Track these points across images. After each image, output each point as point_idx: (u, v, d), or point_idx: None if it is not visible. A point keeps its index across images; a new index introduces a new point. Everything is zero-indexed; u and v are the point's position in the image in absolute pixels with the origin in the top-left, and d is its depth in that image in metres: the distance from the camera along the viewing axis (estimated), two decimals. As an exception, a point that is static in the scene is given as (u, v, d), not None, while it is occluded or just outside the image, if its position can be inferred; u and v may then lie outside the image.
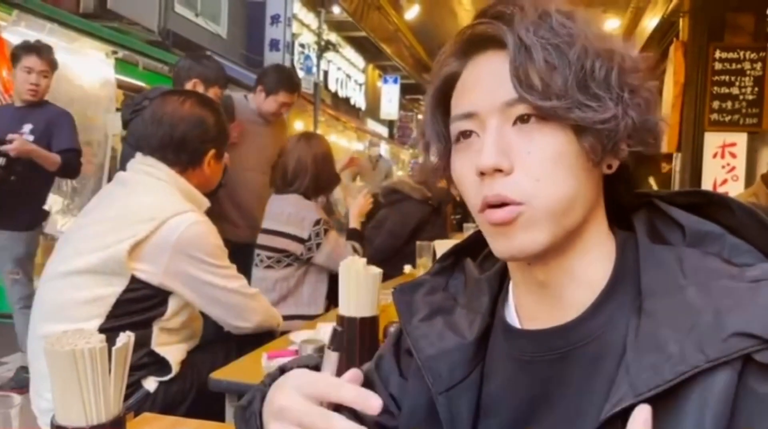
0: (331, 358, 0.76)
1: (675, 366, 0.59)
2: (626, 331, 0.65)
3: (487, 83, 0.67)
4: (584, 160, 0.65)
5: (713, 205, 0.70)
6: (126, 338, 0.85)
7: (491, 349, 0.77)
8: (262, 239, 2.82)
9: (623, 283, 0.68)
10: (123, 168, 2.87)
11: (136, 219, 1.69)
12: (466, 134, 0.69)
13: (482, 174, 0.66)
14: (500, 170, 0.65)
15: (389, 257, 3.40)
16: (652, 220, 0.73)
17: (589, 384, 0.66)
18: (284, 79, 3.31)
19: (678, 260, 0.66)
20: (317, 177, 2.80)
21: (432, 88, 0.75)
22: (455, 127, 0.70)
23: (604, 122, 0.63)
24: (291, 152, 2.84)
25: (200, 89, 2.97)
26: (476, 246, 0.85)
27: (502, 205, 0.65)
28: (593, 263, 0.70)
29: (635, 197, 0.75)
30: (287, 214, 2.76)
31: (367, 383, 0.86)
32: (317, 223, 2.72)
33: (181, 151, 1.81)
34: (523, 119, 0.65)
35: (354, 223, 2.98)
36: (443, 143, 0.75)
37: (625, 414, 0.59)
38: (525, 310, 0.75)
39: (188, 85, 2.98)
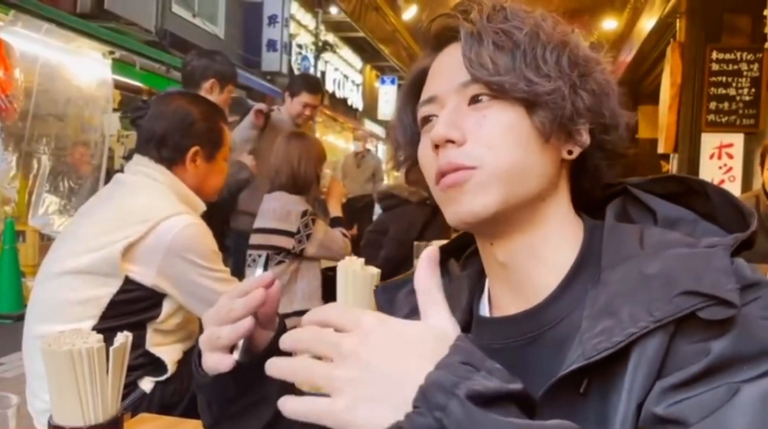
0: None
1: (624, 329, 0.59)
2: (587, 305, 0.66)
3: (447, 70, 0.72)
4: (535, 134, 0.67)
5: (690, 194, 0.72)
6: (124, 338, 0.85)
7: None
8: (253, 239, 2.82)
9: (589, 264, 0.69)
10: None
11: (129, 220, 1.68)
12: (428, 119, 0.72)
13: (437, 147, 0.69)
14: (452, 142, 0.67)
15: (400, 264, 3.40)
16: (625, 206, 0.74)
17: (554, 364, 0.66)
18: (305, 82, 3.70)
19: (638, 235, 0.67)
20: (295, 175, 2.81)
21: (405, 83, 0.80)
22: (420, 112, 0.74)
23: (549, 94, 0.66)
24: (276, 151, 2.87)
25: (216, 89, 2.98)
26: (461, 247, 0.86)
27: (455, 170, 0.67)
28: (557, 248, 0.71)
29: (611, 188, 0.76)
30: (272, 209, 2.78)
31: None
32: (304, 214, 2.72)
33: (162, 147, 1.79)
34: (476, 99, 0.68)
35: (334, 210, 2.99)
36: (413, 134, 0.78)
37: (577, 382, 0.61)
38: (496, 298, 0.76)
39: (206, 85, 2.97)
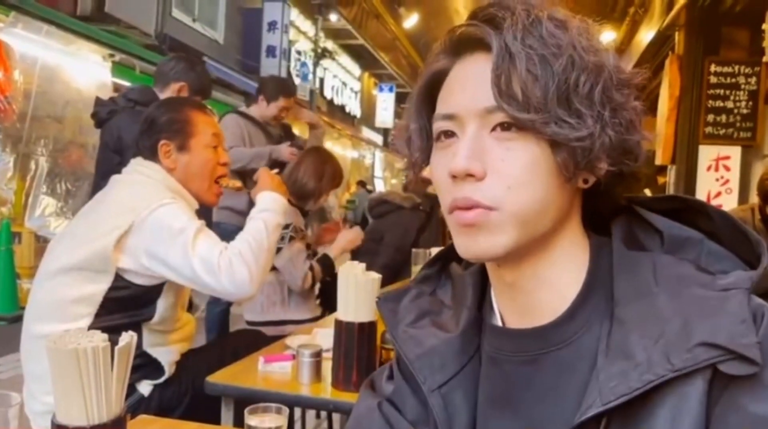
0: None
1: (642, 374, 0.59)
2: (599, 337, 0.66)
3: (470, 86, 0.67)
4: (557, 173, 0.65)
5: (691, 211, 0.71)
6: (129, 338, 0.85)
7: (483, 343, 0.77)
8: None
9: (597, 289, 0.69)
10: (99, 171, 2.89)
11: (118, 210, 1.70)
12: (447, 134, 0.69)
13: (454, 177, 0.66)
14: (472, 175, 0.65)
15: (399, 271, 3.39)
16: (631, 226, 0.73)
17: (560, 389, 0.67)
18: (281, 87, 3.76)
19: (651, 266, 0.66)
20: (295, 184, 2.77)
21: (420, 82, 0.75)
22: (437, 126, 0.70)
23: (580, 140, 0.63)
24: (306, 161, 2.86)
25: (183, 93, 2.94)
26: None
27: (472, 208, 0.65)
28: (564, 271, 0.70)
29: (615, 203, 0.75)
30: None
31: (395, 396, 0.84)
32: (285, 227, 2.62)
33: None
34: (501, 127, 0.65)
35: (334, 253, 2.83)
36: (425, 139, 0.75)
37: (596, 421, 0.60)
38: (502, 310, 0.75)
39: (175, 87, 2.93)
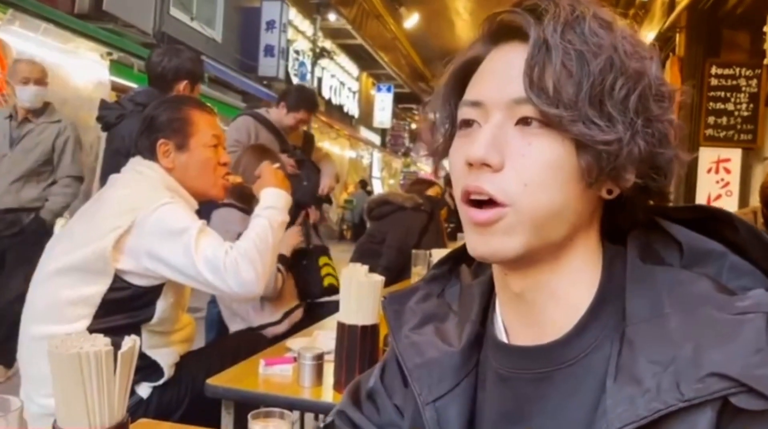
0: None
1: (650, 402, 0.57)
2: (609, 355, 0.63)
3: (501, 75, 0.65)
4: (579, 177, 0.62)
5: (716, 222, 0.67)
6: (132, 342, 0.83)
7: (483, 358, 0.74)
8: None
9: (608, 305, 0.65)
10: (106, 173, 2.86)
11: (117, 210, 1.69)
12: (469, 123, 0.67)
13: (470, 165, 0.63)
14: (488, 165, 0.62)
15: (400, 272, 3.38)
16: (649, 237, 0.69)
17: (568, 407, 0.64)
18: (306, 100, 3.73)
19: (666, 284, 0.63)
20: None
21: (452, 68, 0.72)
22: (461, 113, 0.68)
23: (607, 144, 0.60)
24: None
25: (188, 90, 2.92)
26: None
27: (487, 201, 0.63)
28: (576, 284, 0.67)
29: (635, 217, 0.71)
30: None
31: (373, 395, 0.84)
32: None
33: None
34: (526, 121, 0.62)
35: (286, 250, 2.69)
36: (449, 128, 0.72)
37: None
38: (508, 322, 0.72)
39: (179, 87, 2.90)
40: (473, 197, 0.63)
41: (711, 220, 0.68)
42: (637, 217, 0.70)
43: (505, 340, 0.72)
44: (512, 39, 0.66)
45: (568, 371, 0.65)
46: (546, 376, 0.66)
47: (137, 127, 2.66)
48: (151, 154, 1.82)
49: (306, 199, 3.33)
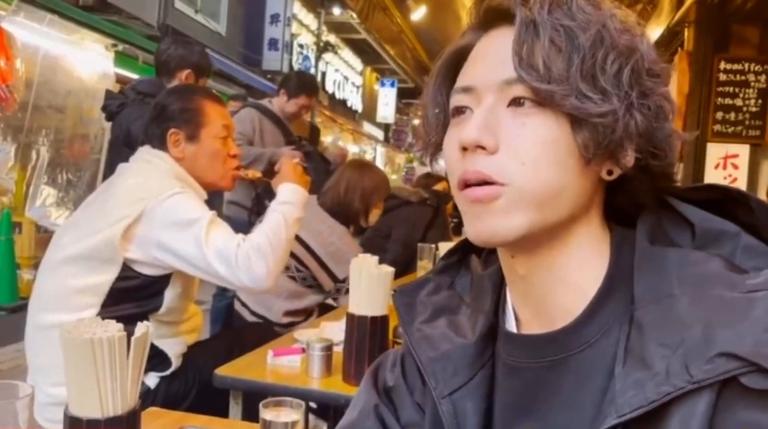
0: None
1: (659, 385, 0.55)
2: (618, 340, 0.61)
3: (491, 58, 0.64)
4: (576, 155, 0.61)
5: (731, 202, 0.65)
6: (145, 328, 0.81)
7: (497, 350, 0.73)
8: (298, 250, 2.52)
9: (617, 289, 0.64)
10: (111, 165, 2.86)
11: (126, 199, 1.68)
12: (461, 110, 0.66)
13: (465, 149, 0.62)
14: (483, 148, 0.61)
15: (406, 267, 3.36)
16: (660, 218, 0.68)
17: (579, 395, 0.63)
18: (305, 85, 3.72)
19: (675, 264, 0.61)
20: (341, 204, 2.59)
21: (442, 59, 0.71)
22: (453, 101, 0.67)
23: (602, 116, 0.59)
24: (342, 176, 2.66)
25: (191, 80, 2.91)
26: None
27: (483, 184, 0.61)
28: (583, 267, 0.66)
29: (641, 201, 0.70)
30: (334, 245, 2.53)
31: (390, 393, 0.83)
32: (345, 279, 2.48)
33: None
34: (518, 102, 0.61)
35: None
36: (443, 120, 0.71)
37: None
38: (518, 311, 0.71)
39: (181, 75, 2.89)
40: (470, 179, 0.62)
41: (725, 201, 0.66)
42: (641, 199, 0.68)
43: (514, 330, 0.71)
44: (501, 23, 0.65)
45: (578, 357, 0.64)
46: (556, 364, 0.65)
47: (136, 115, 2.66)
48: (160, 143, 1.80)
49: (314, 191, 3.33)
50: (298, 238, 2.54)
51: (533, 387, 0.67)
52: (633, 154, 0.62)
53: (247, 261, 1.65)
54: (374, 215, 2.67)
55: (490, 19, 0.66)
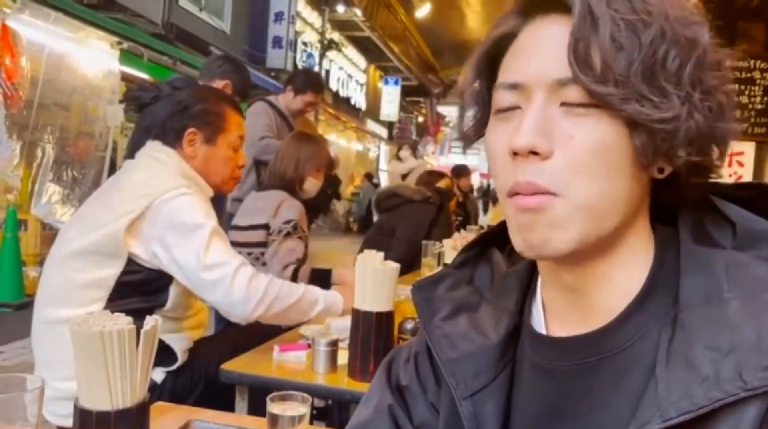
0: None
1: (709, 390, 0.53)
2: (658, 342, 0.59)
3: (542, 52, 0.60)
4: (633, 159, 0.58)
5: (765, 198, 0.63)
6: (154, 321, 0.82)
7: (520, 351, 0.71)
8: (234, 236, 2.59)
9: (659, 290, 0.62)
10: (131, 151, 2.88)
11: (131, 195, 1.69)
12: (509, 107, 0.62)
13: (515, 154, 0.59)
14: (536, 153, 0.58)
15: (410, 265, 3.36)
16: (702, 217, 0.65)
17: (614, 398, 0.61)
18: (311, 82, 3.78)
19: (723, 266, 0.59)
20: (274, 177, 2.68)
21: (482, 47, 0.66)
22: (498, 97, 0.63)
23: (663, 122, 0.55)
24: (282, 148, 2.76)
25: (228, 91, 3.00)
26: (504, 235, 0.73)
27: (534, 194, 0.58)
28: (627, 269, 0.63)
29: (686, 195, 0.66)
30: (249, 210, 2.65)
31: (407, 391, 0.81)
32: (287, 222, 2.53)
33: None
34: (572, 104, 0.58)
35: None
36: (481, 111, 0.68)
37: None
38: (553, 312, 0.69)
39: (219, 83, 3.07)
40: (523, 192, 0.59)
41: (764, 201, 0.64)
42: (686, 194, 0.65)
43: (543, 331, 0.69)
44: (549, 11, 0.60)
45: (615, 359, 0.62)
46: (592, 366, 0.63)
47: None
48: (174, 139, 1.81)
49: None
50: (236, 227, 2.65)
51: (567, 389, 0.65)
52: (687, 153, 0.58)
53: (247, 284, 1.66)
54: (311, 185, 2.69)
55: (538, 4, 0.62)
